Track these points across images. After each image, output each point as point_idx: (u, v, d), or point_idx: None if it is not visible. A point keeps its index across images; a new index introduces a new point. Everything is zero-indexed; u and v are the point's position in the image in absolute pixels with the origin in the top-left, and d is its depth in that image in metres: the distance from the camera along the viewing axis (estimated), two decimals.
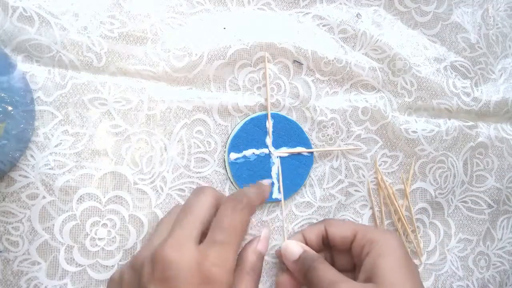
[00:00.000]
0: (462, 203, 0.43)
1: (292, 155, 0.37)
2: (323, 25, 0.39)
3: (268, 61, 0.36)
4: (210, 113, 0.35)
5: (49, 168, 0.31)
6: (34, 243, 0.31)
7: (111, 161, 0.33)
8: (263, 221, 0.37)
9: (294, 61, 0.37)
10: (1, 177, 0.30)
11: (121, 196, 0.33)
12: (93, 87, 0.33)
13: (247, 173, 0.36)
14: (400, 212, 0.40)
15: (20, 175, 0.31)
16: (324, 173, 0.38)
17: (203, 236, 0.28)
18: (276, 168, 0.36)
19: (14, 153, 0.29)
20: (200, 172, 0.35)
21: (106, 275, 0.32)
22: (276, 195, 0.36)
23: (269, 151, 0.36)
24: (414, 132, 0.40)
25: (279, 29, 0.37)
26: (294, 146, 0.37)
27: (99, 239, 0.32)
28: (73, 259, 0.32)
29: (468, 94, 0.42)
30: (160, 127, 0.34)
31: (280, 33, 0.37)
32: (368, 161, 0.40)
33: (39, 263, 0.31)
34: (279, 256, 0.35)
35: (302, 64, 0.37)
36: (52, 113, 0.32)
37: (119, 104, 0.33)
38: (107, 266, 0.33)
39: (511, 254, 0.44)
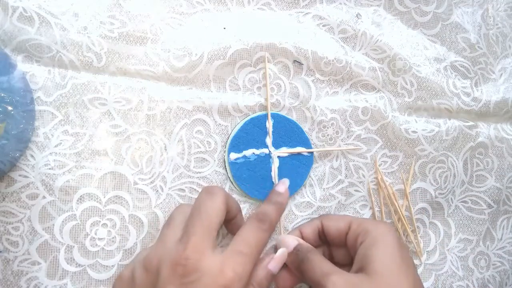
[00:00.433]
0: (462, 203, 0.43)
1: (292, 155, 0.37)
2: (323, 25, 0.39)
3: (268, 61, 0.36)
4: (210, 113, 0.35)
5: (49, 168, 0.31)
6: (34, 243, 0.31)
7: (111, 161, 0.33)
8: None
9: (294, 61, 0.37)
10: (1, 177, 0.30)
11: (121, 196, 0.33)
12: (93, 87, 0.33)
13: (247, 173, 0.36)
14: (400, 212, 0.40)
15: (20, 175, 0.31)
16: (324, 173, 0.38)
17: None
18: (276, 168, 0.36)
19: (14, 153, 0.29)
20: (200, 172, 0.35)
21: (106, 275, 0.32)
22: None
23: (269, 151, 0.36)
24: (414, 132, 0.40)
25: (279, 29, 0.37)
26: (294, 146, 0.37)
27: (99, 239, 0.32)
28: (73, 259, 0.32)
29: (468, 94, 0.42)
30: (160, 127, 0.34)
31: (280, 33, 0.37)
32: (368, 161, 0.40)
33: (39, 263, 0.31)
34: (275, 250, 0.36)
35: (302, 64, 0.37)
36: (52, 113, 0.32)
37: (119, 104, 0.33)
38: (107, 266, 0.33)
39: (511, 254, 0.44)
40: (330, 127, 0.38)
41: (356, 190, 0.39)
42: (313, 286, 0.30)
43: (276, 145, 0.37)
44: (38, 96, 0.31)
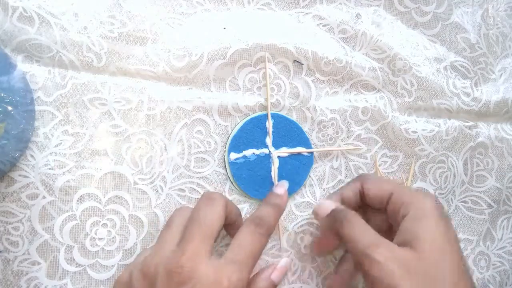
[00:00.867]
0: (462, 203, 0.43)
1: (292, 155, 0.37)
2: (323, 25, 0.39)
3: (268, 61, 0.36)
4: (210, 113, 0.35)
5: (49, 168, 0.31)
6: (34, 243, 0.31)
7: (111, 161, 0.33)
8: None
9: (294, 61, 0.37)
10: (1, 177, 0.30)
11: (121, 196, 0.33)
12: (93, 87, 0.33)
13: (247, 173, 0.36)
14: None
15: (20, 175, 0.31)
16: (324, 173, 0.38)
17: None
18: (276, 168, 0.36)
19: (14, 153, 0.29)
20: (200, 172, 0.35)
21: (106, 275, 0.32)
22: None
23: (269, 151, 0.36)
24: (414, 132, 0.40)
25: (279, 29, 0.37)
26: (294, 146, 0.37)
27: (99, 239, 0.32)
28: (73, 259, 0.32)
29: (468, 94, 0.42)
30: (160, 127, 0.34)
31: (280, 33, 0.37)
32: (368, 161, 0.40)
33: (39, 263, 0.31)
34: (315, 217, 0.35)
35: (302, 64, 0.37)
36: (52, 113, 0.32)
37: (119, 104, 0.33)
38: (107, 266, 0.33)
39: (511, 254, 0.44)
40: (330, 127, 0.38)
41: None
42: (354, 254, 0.29)
43: (276, 145, 0.37)
44: (38, 96, 0.31)
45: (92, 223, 0.32)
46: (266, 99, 0.36)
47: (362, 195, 0.34)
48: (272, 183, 0.36)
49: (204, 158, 0.35)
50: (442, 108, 0.41)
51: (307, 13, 0.39)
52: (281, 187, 0.34)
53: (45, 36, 0.31)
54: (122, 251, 0.33)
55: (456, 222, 0.42)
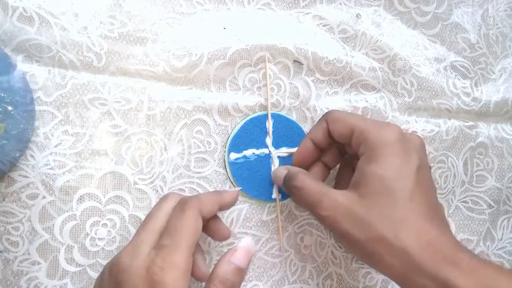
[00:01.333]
0: (462, 203, 0.43)
1: (292, 155, 0.37)
2: (323, 25, 0.39)
3: (268, 61, 0.36)
4: (210, 113, 0.35)
5: (49, 168, 0.31)
6: (34, 243, 0.31)
7: (111, 161, 0.33)
8: (263, 221, 0.37)
9: (294, 61, 0.37)
10: (1, 177, 0.30)
11: (121, 196, 0.33)
12: (93, 87, 0.33)
13: (247, 173, 0.36)
14: None
15: (20, 175, 0.31)
16: None
17: None
18: (276, 168, 0.36)
19: (14, 153, 0.29)
20: (200, 172, 0.35)
21: None
22: (275, 195, 0.36)
23: (269, 151, 0.36)
24: (414, 132, 0.40)
25: (279, 29, 0.37)
26: (294, 146, 0.37)
27: (99, 239, 0.32)
28: (73, 259, 0.32)
29: (468, 94, 0.42)
30: (160, 127, 0.34)
31: (280, 33, 0.37)
32: None
33: (39, 263, 0.31)
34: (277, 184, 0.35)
35: (302, 64, 0.37)
36: (52, 113, 0.32)
37: (119, 104, 0.33)
38: None
39: (511, 254, 0.44)
40: None
41: None
42: (311, 210, 0.29)
43: (276, 145, 0.37)
44: (38, 96, 0.31)
45: (92, 223, 0.32)
46: (266, 99, 0.36)
47: (329, 133, 0.32)
48: (272, 183, 0.36)
49: (204, 158, 0.35)
50: (442, 108, 0.41)
51: (307, 13, 0.39)
52: (235, 189, 0.33)
53: (45, 36, 0.31)
54: None
55: (456, 222, 0.42)
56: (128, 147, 0.33)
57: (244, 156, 0.36)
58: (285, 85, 0.37)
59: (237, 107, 0.36)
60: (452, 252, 0.25)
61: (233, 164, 0.35)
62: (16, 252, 0.31)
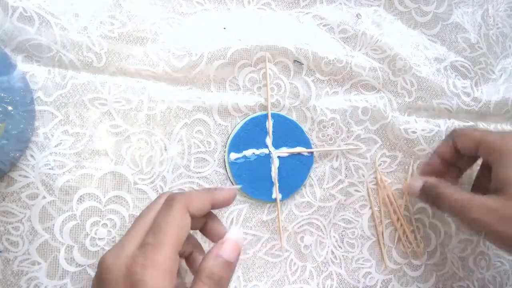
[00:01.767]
0: None
1: (292, 155, 0.37)
2: (323, 25, 0.39)
3: (268, 61, 0.36)
4: (210, 113, 0.35)
5: (49, 168, 0.31)
6: (34, 243, 0.31)
7: (111, 161, 0.33)
8: (263, 221, 0.37)
9: (295, 61, 0.37)
10: (1, 177, 0.30)
11: (121, 196, 0.33)
12: (93, 87, 0.33)
13: (247, 173, 0.36)
14: (398, 212, 0.40)
15: (20, 175, 0.31)
16: (324, 173, 0.38)
17: None
18: (276, 168, 0.36)
19: (14, 153, 0.29)
20: (200, 172, 0.35)
21: None
22: (276, 195, 0.36)
23: (269, 151, 0.36)
24: (414, 132, 0.40)
25: (279, 29, 0.37)
26: (294, 146, 0.37)
27: (99, 239, 0.32)
28: (73, 259, 0.32)
29: (468, 94, 0.42)
30: (160, 127, 0.34)
31: (280, 33, 0.37)
32: (368, 161, 0.40)
33: (39, 263, 0.31)
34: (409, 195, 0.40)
35: (303, 64, 0.37)
36: (52, 113, 0.32)
37: (119, 104, 0.33)
38: None
39: (511, 254, 0.44)
40: (330, 127, 0.38)
41: (356, 190, 0.39)
42: (456, 217, 0.33)
43: (276, 145, 0.37)
44: (38, 96, 0.31)
45: (92, 223, 0.32)
46: (266, 99, 0.36)
47: (456, 148, 0.36)
48: (272, 183, 0.36)
49: (204, 158, 0.35)
50: (442, 108, 0.41)
51: (307, 13, 0.39)
52: (234, 186, 0.34)
53: (45, 36, 0.31)
54: None
55: (456, 222, 0.42)
56: (128, 147, 0.33)
57: (244, 156, 0.36)
58: (285, 85, 0.37)
59: (237, 107, 0.36)
60: None
61: (233, 164, 0.35)
62: (16, 252, 0.31)
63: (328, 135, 0.38)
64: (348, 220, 0.39)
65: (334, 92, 0.39)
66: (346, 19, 0.39)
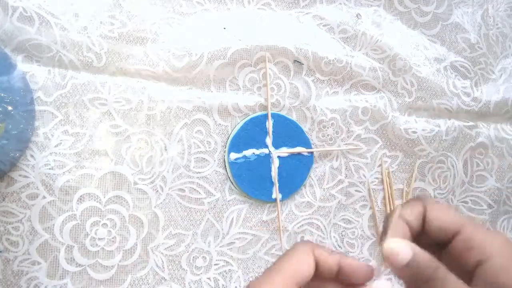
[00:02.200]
0: (462, 203, 0.43)
1: (292, 155, 0.37)
2: (323, 25, 0.39)
3: (268, 61, 0.36)
4: (210, 113, 0.35)
5: (49, 168, 0.31)
6: (34, 243, 0.31)
7: (111, 161, 0.33)
8: (263, 221, 0.37)
9: (295, 61, 0.37)
10: (1, 177, 0.30)
11: (121, 196, 0.33)
12: (93, 87, 0.33)
13: (247, 173, 0.36)
14: None
15: (20, 175, 0.31)
16: (324, 173, 0.38)
17: None
18: (276, 168, 0.36)
19: (14, 153, 0.29)
20: (200, 172, 0.35)
21: (106, 275, 0.32)
22: (276, 195, 0.36)
23: (269, 151, 0.36)
24: (414, 132, 0.40)
25: (279, 29, 0.37)
26: (294, 146, 0.37)
27: (99, 239, 0.32)
28: (73, 259, 0.32)
29: (468, 94, 0.42)
30: (160, 127, 0.34)
31: (280, 33, 0.37)
32: (368, 161, 0.40)
33: (39, 263, 0.31)
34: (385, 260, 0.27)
35: (303, 64, 0.37)
36: (52, 113, 0.32)
37: (119, 104, 0.33)
38: (107, 266, 0.32)
39: None
40: (330, 127, 0.38)
41: (356, 190, 0.39)
42: None
43: (276, 145, 0.37)
44: (38, 96, 0.31)
45: (92, 223, 0.32)
46: (266, 99, 0.36)
47: (423, 221, 0.27)
48: (272, 183, 0.36)
49: (204, 158, 0.35)
50: (442, 108, 0.41)
51: (307, 13, 0.39)
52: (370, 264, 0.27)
53: (45, 36, 0.31)
54: (122, 251, 0.33)
55: None
56: (128, 147, 0.33)
57: (244, 156, 0.36)
58: (285, 85, 0.37)
59: (237, 107, 0.36)
60: None
61: (233, 164, 0.35)
62: (16, 252, 0.31)
63: (328, 135, 0.38)
64: (348, 220, 0.39)
65: (334, 92, 0.39)
66: (346, 19, 0.39)
